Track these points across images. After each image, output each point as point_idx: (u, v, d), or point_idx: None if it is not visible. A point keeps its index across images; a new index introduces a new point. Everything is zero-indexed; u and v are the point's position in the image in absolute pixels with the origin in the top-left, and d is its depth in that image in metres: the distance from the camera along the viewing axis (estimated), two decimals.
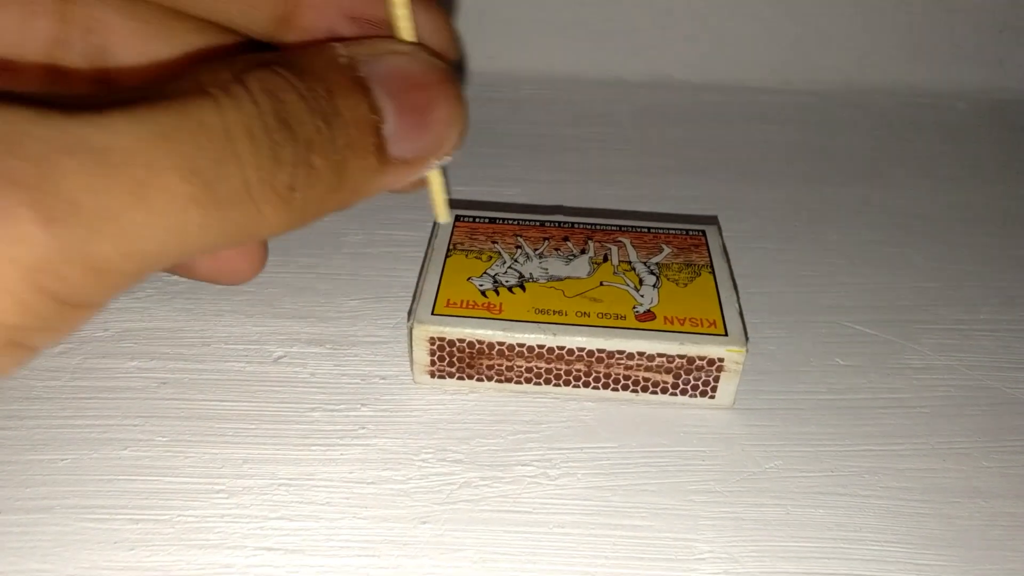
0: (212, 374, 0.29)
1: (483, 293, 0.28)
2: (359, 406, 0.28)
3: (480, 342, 0.27)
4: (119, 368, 0.29)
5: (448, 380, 0.28)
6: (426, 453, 0.27)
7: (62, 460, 0.26)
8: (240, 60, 0.19)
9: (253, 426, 0.27)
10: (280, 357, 0.30)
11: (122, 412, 0.28)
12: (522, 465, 0.26)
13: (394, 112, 0.21)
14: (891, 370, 0.30)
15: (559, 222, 0.33)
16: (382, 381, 0.29)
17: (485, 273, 0.29)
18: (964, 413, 0.29)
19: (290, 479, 0.25)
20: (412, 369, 0.29)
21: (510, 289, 0.28)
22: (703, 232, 0.32)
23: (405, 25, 0.22)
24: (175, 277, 0.34)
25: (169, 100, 0.16)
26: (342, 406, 0.28)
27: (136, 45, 0.23)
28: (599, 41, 0.51)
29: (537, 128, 0.47)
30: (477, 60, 0.52)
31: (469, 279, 0.29)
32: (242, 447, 0.26)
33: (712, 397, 0.28)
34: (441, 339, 0.27)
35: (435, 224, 0.33)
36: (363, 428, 0.27)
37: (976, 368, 0.31)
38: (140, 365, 0.30)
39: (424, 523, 0.24)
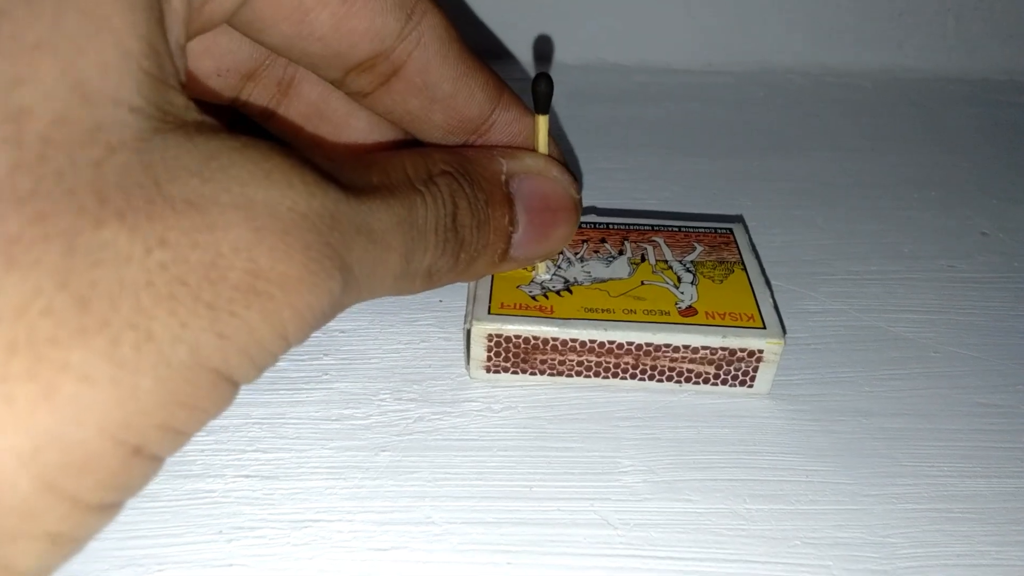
0: None
1: (533, 298, 0.30)
2: (321, 356, 0.31)
3: (535, 338, 0.29)
4: None
5: (503, 375, 0.30)
6: (384, 394, 0.30)
7: None
8: (431, 156, 0.24)
9: None
10: None
11: None
12: (468, 401, 0.30)
13: (525, 225, 0.27)
14: (790, 314, 0.35)
15: (594, 223, 0.35)
16: (341, 334, 0.32)
17: (532, 281, 0.31)
18: (851, 348, 0.33)
19: (262, 419, 0.29)
20: (468, 365, 0.30)
21: (558, 293, 0.30)
22: (731, 230, 0.35)
23: (543, 141, 0.28)
24: None
25: (395, 193, 0.22)
26: (306, 356, 0.31)
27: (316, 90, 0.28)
28: (534, 25, 0.55)
29: None
30: None
31: (519, 287, 0.31)
32: None
33: (750, 386, 0.30)
34: (498, 336, 0.29)
35: None
36: (326, 374, 0.31)
37: (864, 311, 0.35)
38: None
39: (383, 451, 0.28)
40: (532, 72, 0.54)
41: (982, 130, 0.51)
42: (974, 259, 0.39)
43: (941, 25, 0.56)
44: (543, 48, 0.55)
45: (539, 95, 0.28)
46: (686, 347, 0.29)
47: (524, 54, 0.55)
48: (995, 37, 0.56)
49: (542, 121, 0.28)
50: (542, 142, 0.29)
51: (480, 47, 0.55)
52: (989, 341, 0.34)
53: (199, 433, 0.27)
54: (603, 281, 0.32)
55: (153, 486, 0.26)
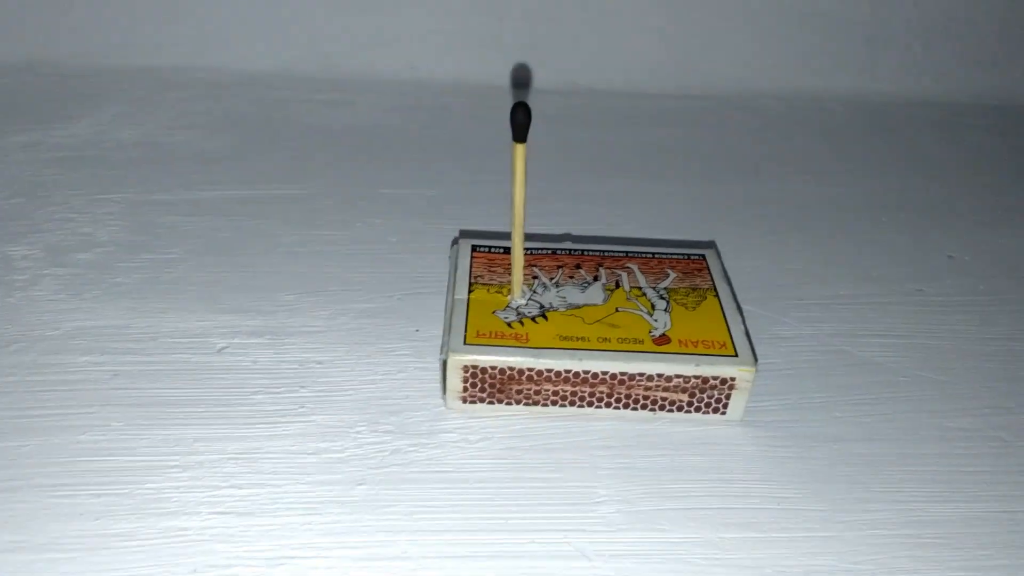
0: (160, 365, 0.32)
1: (509, 325, 0.30)
2: (298, 388, 0.31)
3: (511, 368, 0.29)
4: (72, 363, 0.32)
5: (479, 405, 0.30)
6: (360, 426, 0.30)
7: (25, 446, 0.28)
8: None
9: (202, 409, 0.30)
10: (223, 348, 0.33)
11: (78, 402, 0.30)
12: (445, 432, 0.30)
13: None
14: (763, 340, 0.35)
15: (569, 249, 0.35)
16: (318, 365, 0.32)
17: (508, 307, 0.31)
18: (822, 373, 0.34)
19: (238, 453, 0.29)
20: (444, 396, 0.30)
21: (533, 319, 0.31)
22: (703, 256, 0.35)
23: (520, 169, 0.29)
24: (119, 278, 0.36)
25: None
26: (282, 388, 0.31)
27: None
28: (513, 54, 0.55)
29: (459, 134, 0.51)
30: (399, 70, 0.55)
31: (494, 312, 0.31)
32: (192, 427, 0.29)
33: (723, 413, 0.31)
34: (474, 367, 0.29)
35: (453, 244, 0.35)
36: (302, 407, 0.31)
37: (834, 335, 0.36)
38: (92, 359, 0.32)
39: (360, 485, 0.28)
40: (510, 96, 0.55)
41: (950, 153, 0.52)
42: (942, 282, 0.40)
43: (909, 51, 0.57)
44: (521, 76, 0.55)
45: (517, 124, 0.28)
46: (660, 376, 0.29)
47: (502, 80, 0.56)
48: (961, 62, 0.57)
49: (519, 150, 0.29)
50: (519, 170, 0.29)
51: (459, 74, 0.55)
52: (955, 365, 0.35)
53: (174, 469, 0.28)
54: (578, 307, 0.32)
55: (127, 525, 0.26)
